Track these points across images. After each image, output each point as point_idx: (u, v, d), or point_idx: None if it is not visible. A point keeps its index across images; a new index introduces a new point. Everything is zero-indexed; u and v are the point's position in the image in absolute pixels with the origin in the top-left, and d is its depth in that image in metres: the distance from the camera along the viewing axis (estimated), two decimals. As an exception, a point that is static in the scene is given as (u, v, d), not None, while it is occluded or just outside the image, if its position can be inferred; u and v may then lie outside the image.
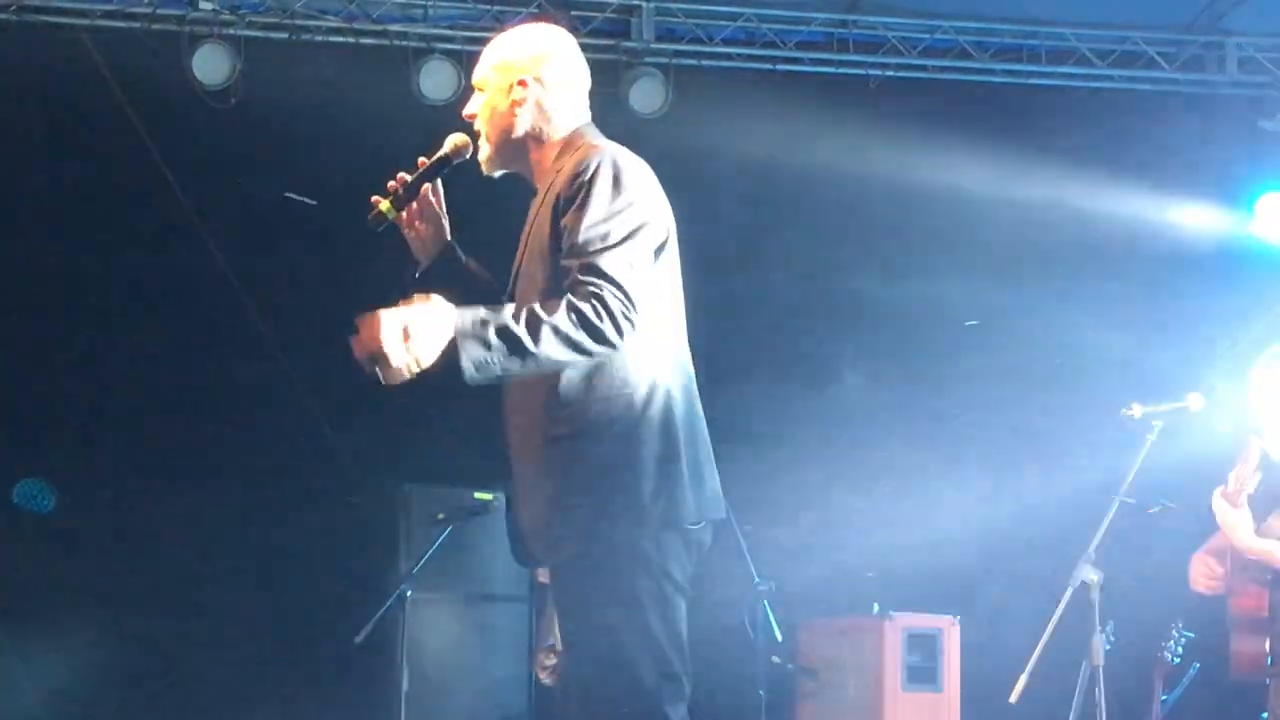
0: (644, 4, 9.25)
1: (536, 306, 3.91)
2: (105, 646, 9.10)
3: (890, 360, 9.77)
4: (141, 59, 8.77)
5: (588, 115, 4.36)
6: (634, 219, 4.02)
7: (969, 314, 9.54)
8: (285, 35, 8.91)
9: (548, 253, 4.11)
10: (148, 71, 8.82)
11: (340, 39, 9.00)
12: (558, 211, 4.09)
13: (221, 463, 9.28)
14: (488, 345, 3.86)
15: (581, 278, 3.94)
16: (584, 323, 3.88)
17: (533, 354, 3.86)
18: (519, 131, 4.29)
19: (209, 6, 8.77)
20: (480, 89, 4.34)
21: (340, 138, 9.16)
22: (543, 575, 7.43)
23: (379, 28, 8.99)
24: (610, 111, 9.06)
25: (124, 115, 8.77)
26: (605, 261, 3.95)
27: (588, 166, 4.07)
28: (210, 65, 8.73)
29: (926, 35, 9.51)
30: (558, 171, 4.20)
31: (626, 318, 3.91)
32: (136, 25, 8.77)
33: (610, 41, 9.25)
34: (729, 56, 9.36)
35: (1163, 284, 9.80)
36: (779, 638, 8.13)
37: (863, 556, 9.43)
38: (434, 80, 8.95)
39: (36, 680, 9.05)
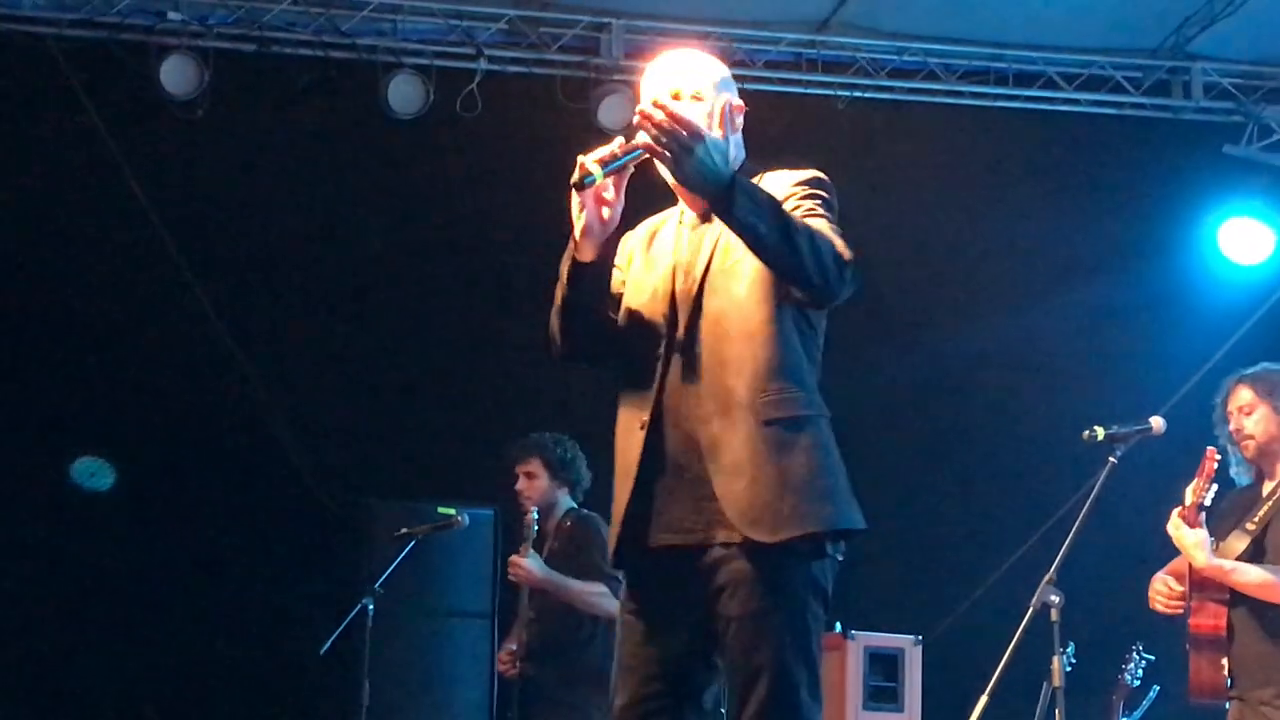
0: (614, 21, 9.27)
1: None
2: (63, 658, 9.06)
3: (849, 377, 9.78)
4: (109, 69, 8.75)
5: None
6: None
7: (933, 333, 9.57)
8: (254, 47, 8.89)
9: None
10: (115, 81, 8.80)
11: (309, 52, 8.98)
12: None
13: (184, 475, 9.26)
14: (757, 199, 3.92)
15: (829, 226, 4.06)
16: (835, 250, 3.99)
17: (786, 233, 3.91)
18: (730, 153, 4.18)
19: (177, 17, 8.75)
20: (697, 98, 4.24)
21: (308, 151, 9.16)
22: (518, 575, 7.42)
23: (348, 41, 8.97)
24: (579, 128, 9.16)
25: (91, 125, 8.74)
26: (839, 236, 4.06)
27: (808, 176, 4.19)
28: (178, 76, 8.70)
29: (895, 56, 9.53)
30: None
31: (852, 275, 4.03)
32: (104, 35, 8.74)
33: (580, 58, 9.27)
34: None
35: (1127, 307, 9.85)
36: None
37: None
38: (402, 95, 8.94)
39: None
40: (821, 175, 4.23)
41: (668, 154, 3.84)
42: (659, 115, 3.84)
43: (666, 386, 4.14)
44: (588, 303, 4.23)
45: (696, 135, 3.84)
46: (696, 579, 4.09)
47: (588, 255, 4.16)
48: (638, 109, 3.90)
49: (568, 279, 4.19)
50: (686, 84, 4.26)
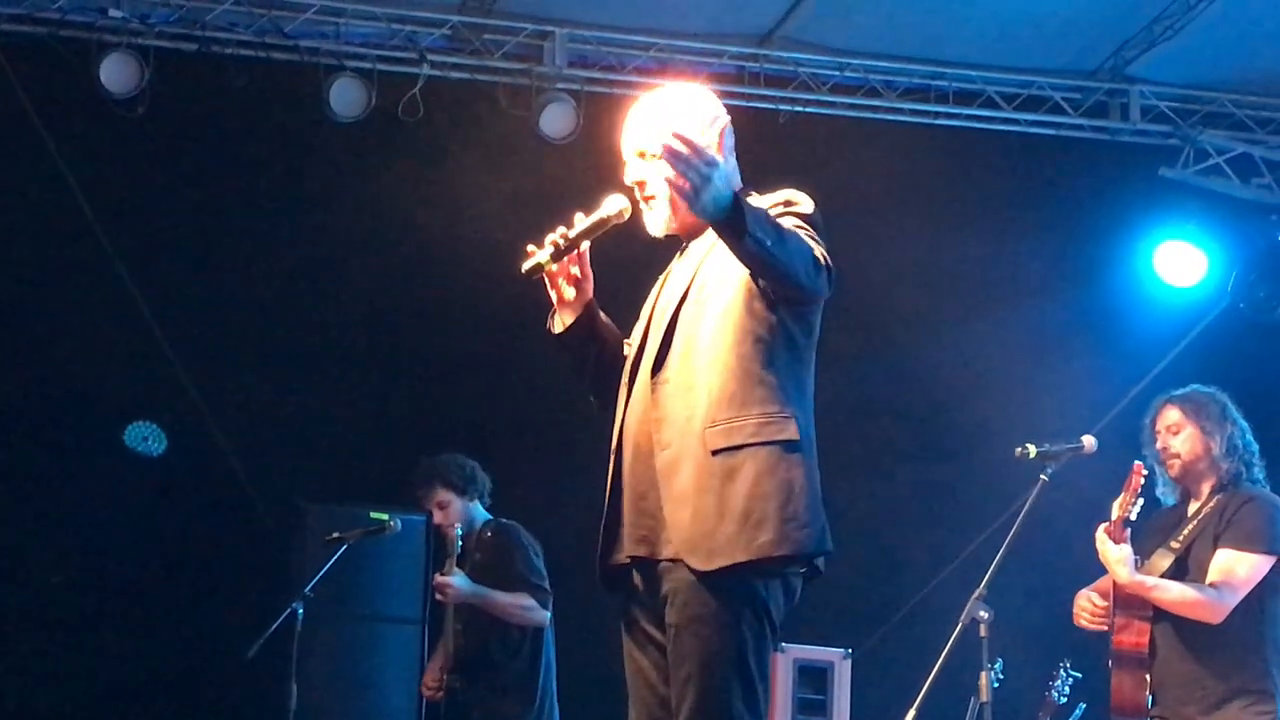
0: (557, 30, 9.27)
1: None
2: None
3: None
4: (49, 65, 8.70)
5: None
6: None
7: (864, 350, 9.59)
8: (195, 47, 8.85)
9: (737, 286, 4.20)
10: (54, 78, 8.75)
11: (251, 53, 8.94)
12: None
13: (116, 475, 9.19)
14: (758, 214, 3.95)
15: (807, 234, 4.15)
16: (814, 252, 4.10)
17: (782, 241, 3.99)
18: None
19: (118, 15, 8.70)
20: (658, 157, 4.22)
21: (248, 152, 9.12)
22: (445, 594, 7.43)
23: (290, 43, 8.95)
24: (520, 136, 9.15)
25: (29, 121, 8.68)
26: (814, 241, 4.16)
27: (795, 197, 4.28)
28: (118, 74, 8.66)
29: (836, 72, 9.58)
30: None
31: (830, 276, 4.14)
32: (44, 31, 8.68)
33: (523, 66, 9.27)
34: (640, 85, 9.38)
35: (1061, 326, 9.90)
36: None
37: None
38: (344, 98, 8.92)
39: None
40: (798, 193, 4.32)
41: (688, 186, 3.83)
42: (679, 146, 3.83)
43: (628, 415, 4.29)
44: (586, 360, 4.46)
45: (711, 163, 3.85)
46: (653, 590, 4.20)
47: (560, 325, 4.42)
48: (660, 144, 3.91)
49: (556, 347, 4.43)
50: (652, 148, 4.29)
